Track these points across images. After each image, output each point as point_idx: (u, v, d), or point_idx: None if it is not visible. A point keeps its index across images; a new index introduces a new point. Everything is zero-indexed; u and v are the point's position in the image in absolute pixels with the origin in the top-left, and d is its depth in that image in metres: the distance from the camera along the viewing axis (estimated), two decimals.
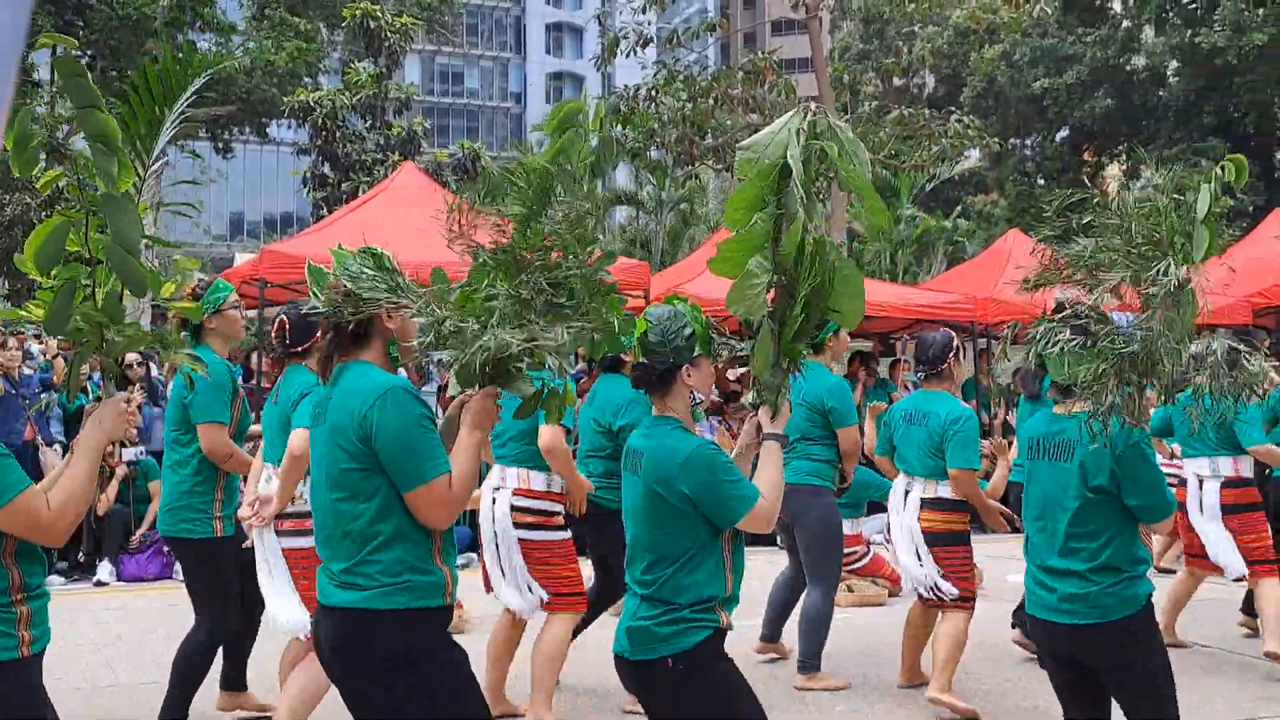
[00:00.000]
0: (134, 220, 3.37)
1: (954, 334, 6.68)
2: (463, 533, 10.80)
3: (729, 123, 21.98)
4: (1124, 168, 38.81)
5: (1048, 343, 4.07)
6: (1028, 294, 4.27)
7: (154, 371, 12.71)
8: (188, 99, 3.57)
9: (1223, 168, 4.03)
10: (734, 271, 3.62)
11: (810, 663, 6.62)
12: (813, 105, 3.69)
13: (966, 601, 6.41)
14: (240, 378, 7.74)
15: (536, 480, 5.95)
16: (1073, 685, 4.29)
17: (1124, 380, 3.90)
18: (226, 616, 5.71)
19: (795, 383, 6.46)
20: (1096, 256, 4.01)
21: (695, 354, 3.78)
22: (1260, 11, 32.97)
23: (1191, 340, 3.95)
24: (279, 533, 5.38)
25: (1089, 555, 4.13)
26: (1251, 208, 31.92)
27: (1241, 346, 4.05)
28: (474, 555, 10.66)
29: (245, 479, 5.72)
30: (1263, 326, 14.44)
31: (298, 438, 5.06)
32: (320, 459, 3.53)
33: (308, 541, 5.11)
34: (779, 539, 7.17)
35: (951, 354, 6.48)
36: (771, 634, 7.37)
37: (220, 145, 29.68)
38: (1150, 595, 4.18)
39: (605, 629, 4.86)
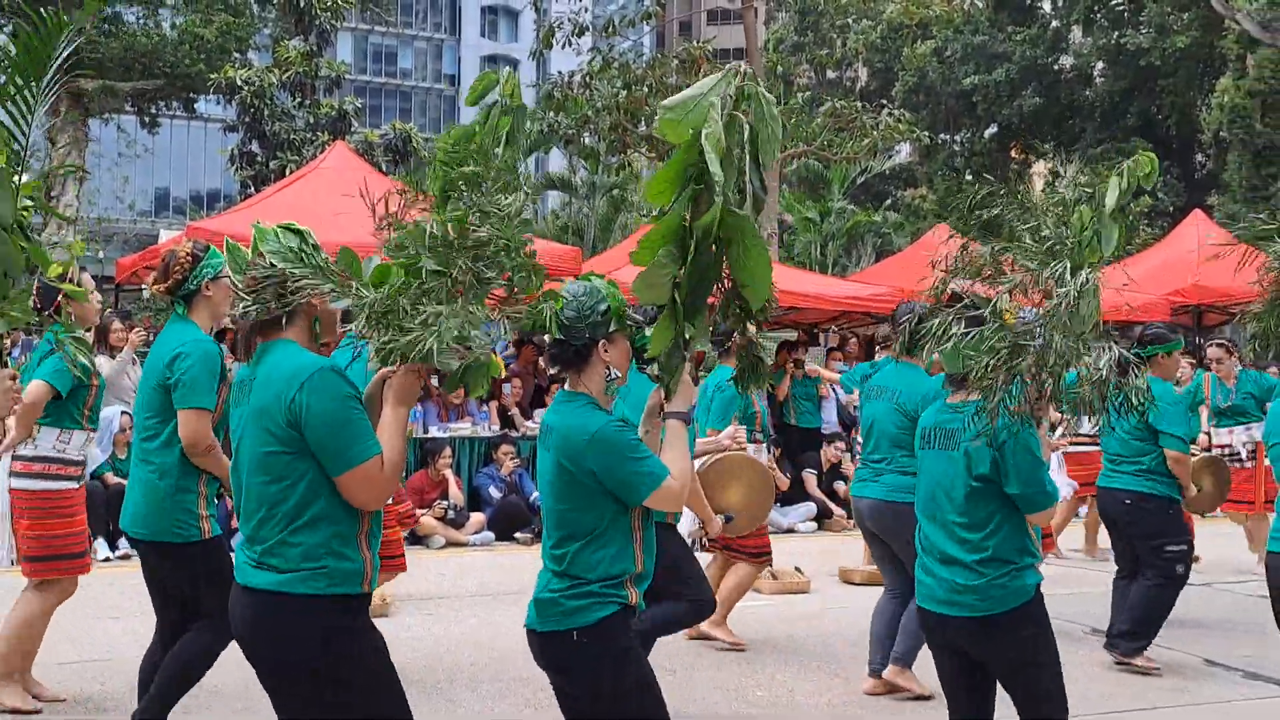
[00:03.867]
0: (5, 196, 3.27)
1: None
2: None
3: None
4: (1050, 165, 39.39)
5: (943, 334, 4.11)
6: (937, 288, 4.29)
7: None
8: (58, 69, 3.47)
9: (1135, 162, 4.10)
10: (649, 260, 3.62)
11: (908, 658, 6.42)
12: (742, 66, 3.64)
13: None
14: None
15: None
16: (961, 677, 4.33)
17: (1014, 375, 3.94)
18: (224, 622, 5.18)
19: (889, 386, 6.55)
20: (1008, 252, 4.06)
21: (611, 330, 3.78)
22: (1185, 16, 33.59)
23: (1092, 337, 3.98)
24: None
25: (975, 546, 4.18)
26: (1172, 208, 32.56)
27: (1130, 358, 4.09)
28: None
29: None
30: (1180, 325, 14.76)
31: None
32: (243, 441, 3.48)
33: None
34: (866, 542, 6.95)
35: None
36: (883, 665, 6.64)
37: (146, 120, 29.15)
38: (1039, 585, 4.22)
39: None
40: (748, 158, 3.52)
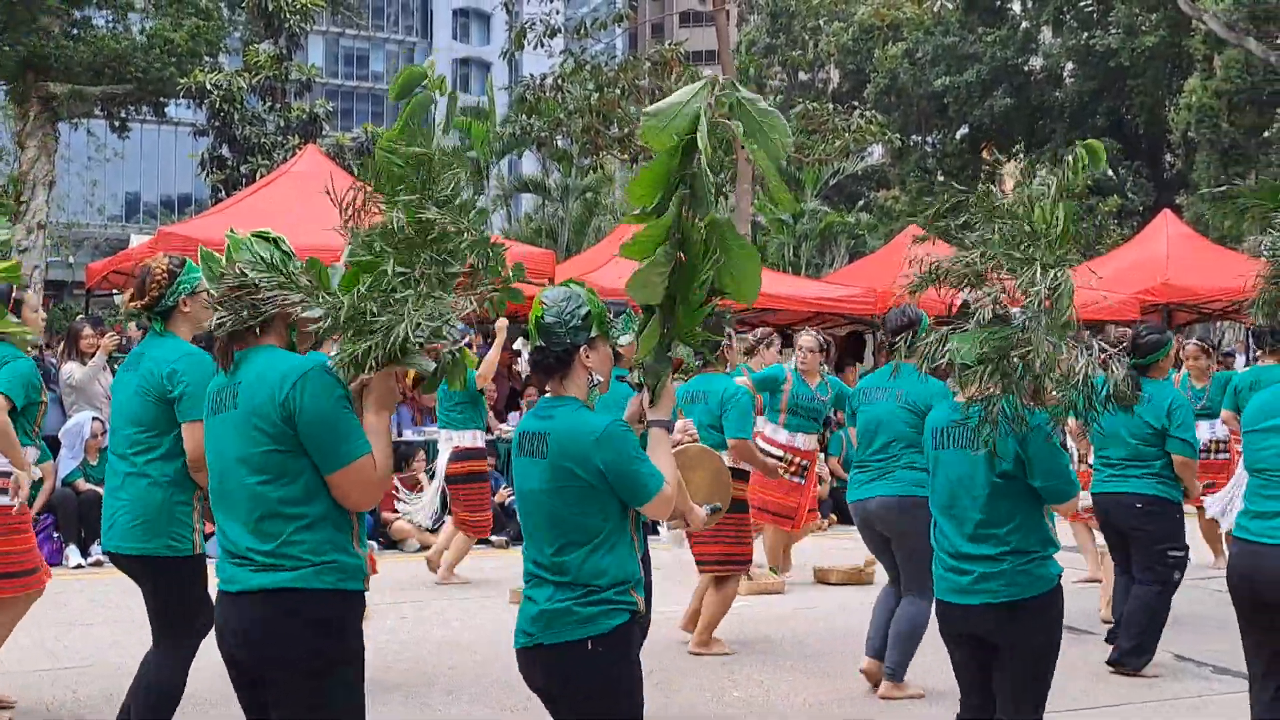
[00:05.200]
0: None
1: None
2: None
3: (635, 112, 22.01)
4: (1021, 166, 39.56)
5: (939, 346, 4.15)
6: (912, 294, 4.36)
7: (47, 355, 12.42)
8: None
9: (1081, 150, 4.16)
10: (644, 256, 3.63)
11: (899, 672, 6.45)
12: (720, 78, 3.68)
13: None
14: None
15: None
16: (977, 670, 4.38)
17: (1006, 364, 3.98)
18: (195, 642, 4.96)
19: (889, 386, 6.58)
20: (984, 259, 4.11)
21: (592, 334, 3.73)
22: (1153, 16, 33.83)
23: (1069, 331, 4.04)
24: None
25: (999, 540, 4.25)
26: (1141, 208, 32.81)
27: (1113, 351, 4.16)
28: (373, 543, 10.59)
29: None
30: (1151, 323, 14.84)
31: None
32: (227, 447, 3.47)
33: None
34: (867, 545, 6.95)
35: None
36: (882, 646, 6.66)
37: (116, 124, 28.96)
38: (1060, 575, 4.31)
39: None
40: (760, 155, 3.57)
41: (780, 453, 9.01)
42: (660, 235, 3.62)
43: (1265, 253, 4.94)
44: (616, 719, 3.65)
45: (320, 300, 3.43)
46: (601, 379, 3.77)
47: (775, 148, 3.59)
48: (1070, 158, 4.18)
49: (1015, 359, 3.97)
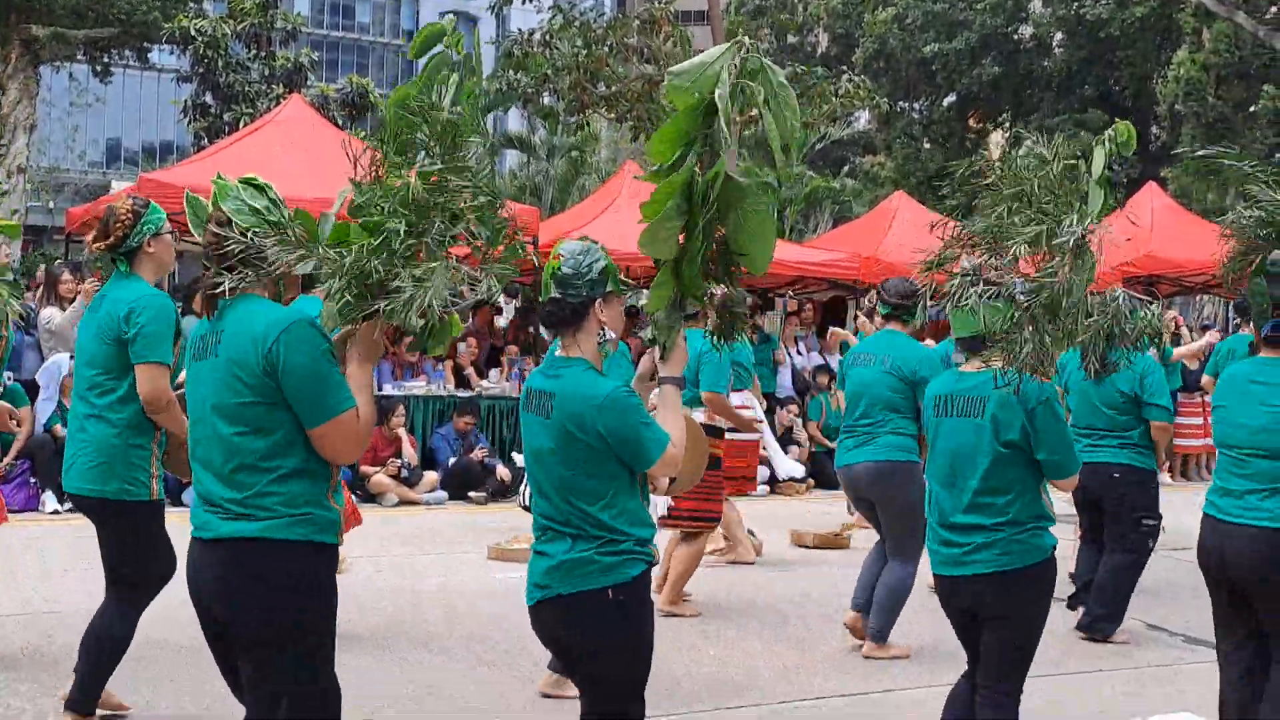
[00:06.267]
0: None
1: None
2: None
3: (622, 71, 21.87)
4: (1007, 135, 39.58)
5: (961, 296, 4.14)
6: (931, 272, 4.33)
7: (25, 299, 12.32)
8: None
9: (1115, 130, 4.16)
10: (657, 212, 3.62)
11: (882, 634, 6.51)
12: (747, 42, 3.67)
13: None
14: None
15: None
16: (975, 635, 4.39)
17: (1039, 328, 3.97)
18: (151, 591, 4.99)
19: (877, 352, 6.60)
20: (1002, 226, 4.09)
21: (607, 289, 3.71)
22: None
23: (1089, 298, 4.06)
24: None
25: (996, 511, 4.24)
26: (1125, 180, 32.82)
27: (1141, 297, 4.18)
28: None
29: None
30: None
31: None
32: (207, 394, 3.44)
33: None
34: (850, 509, 6.91)
35: None
36: (866, 604, 6.74)
37: (99, 69, 28.66)
38: (1054, 548, 4.32)
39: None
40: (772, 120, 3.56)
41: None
42: (674, 191, 3.60)
43: (1239, 221, 4.89)
44: (633, 668, 3.68)
45: (316, 254, 3.39)
46: (613, 335, 3.75)
47: (786, 123, 3.60)
48: (1109, 132, 4.17)
49: (1045, 323, 3.95)
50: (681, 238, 3.72)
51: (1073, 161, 4.11)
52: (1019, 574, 4.23)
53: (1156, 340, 4.56)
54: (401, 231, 3.32)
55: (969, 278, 4.15)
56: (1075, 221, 3.95)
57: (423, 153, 3.45)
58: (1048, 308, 3.95)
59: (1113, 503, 7.15)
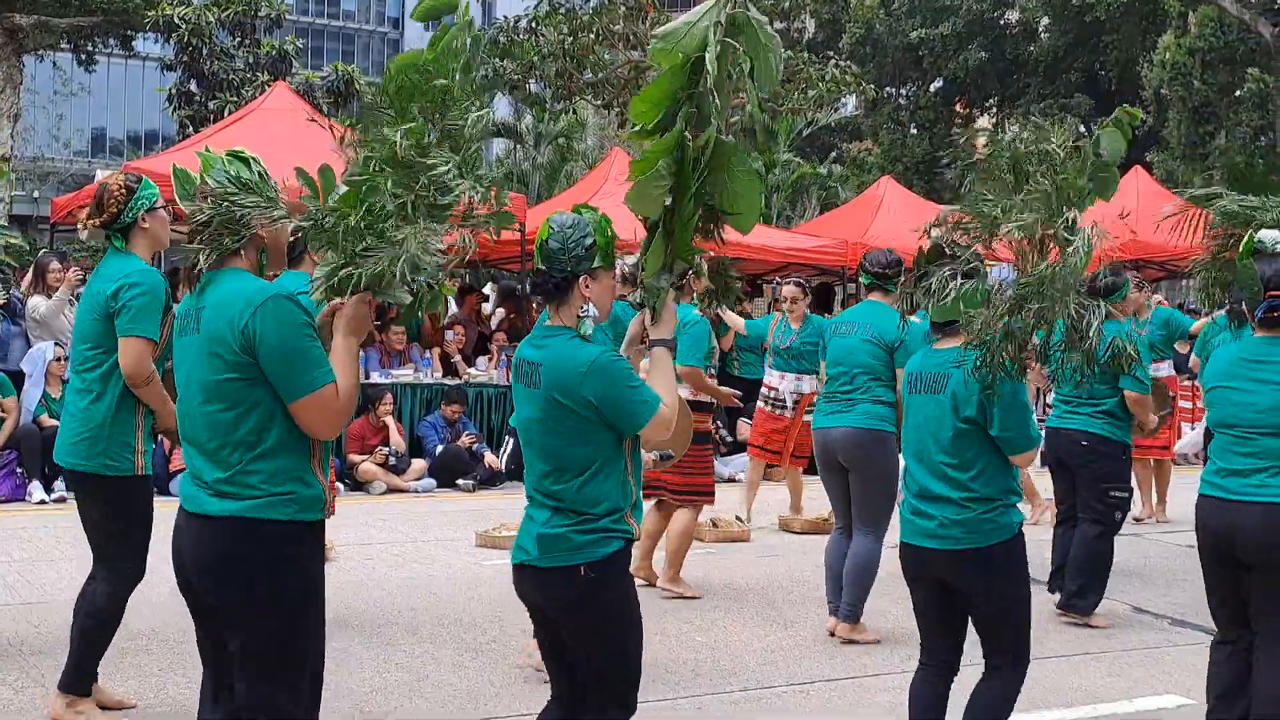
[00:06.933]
0: None
1: None
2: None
3: (609, 58, 21.83)
4: (993, 121, 39.59)
5: (941, 290, 4.15)
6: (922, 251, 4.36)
7: (12, 289, 12.27)
8: None
9: (1125, 113, 4.19)
10: (645, 171, 3.60)
11: (855, 611, 6.52)
12: None
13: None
14: None
15: None
16: (937, 610, 4.43)
17: (1011, 329, 3.98)
18: (137, 567, 4.97)
19: (858, 320, 6.68)
20: (1003, 211, 4.09)
21: (595, 264, 3.69)
22: None
23: (1082, 287, 4.08)
24: None
25: (962, 485, 4.28)
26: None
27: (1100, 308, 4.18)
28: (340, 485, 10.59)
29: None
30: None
31: None
32: (190, 371, 3.45)
33: None
34: (821, 476, 6.94)
35: None
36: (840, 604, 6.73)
37: (82, 57, 28.52)
38: (1021, 524, 4.36)
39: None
40: (751, 85, 3.56)
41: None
42: (663, 151, 3.59)
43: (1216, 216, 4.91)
44: (613, 641, 3.71)
45: (310, 211, 3.38)
46: (597, 312, 3.73)
47: (770, 69, 3.59)
48: (1119, 116, 4.20)
49: (1024, 317, 3.97)
50: (670, 200, 3.71)
51: (1077, 145, 4.13)
52: (986, 552, 4.26)
53: (1127, 365, 4.58)
54: (386, 188, 3.32)
55: (945, 272, 4.17)
56: (1076, 215, 3.97)
57: (414, 110, 3.44)
58: (1028, 303, 3.97)
59: (1080, 470, 7.20)
